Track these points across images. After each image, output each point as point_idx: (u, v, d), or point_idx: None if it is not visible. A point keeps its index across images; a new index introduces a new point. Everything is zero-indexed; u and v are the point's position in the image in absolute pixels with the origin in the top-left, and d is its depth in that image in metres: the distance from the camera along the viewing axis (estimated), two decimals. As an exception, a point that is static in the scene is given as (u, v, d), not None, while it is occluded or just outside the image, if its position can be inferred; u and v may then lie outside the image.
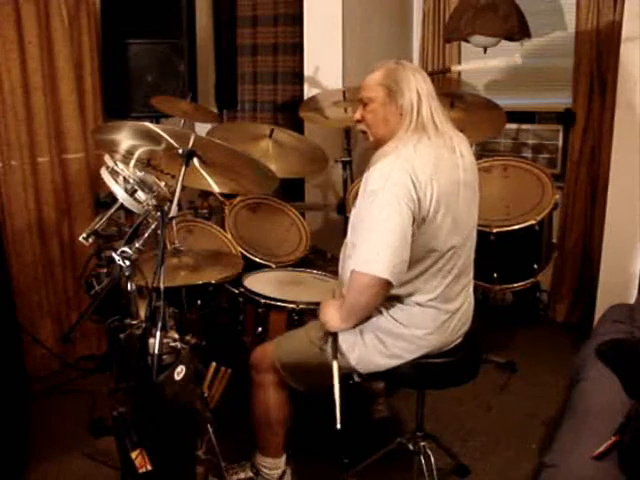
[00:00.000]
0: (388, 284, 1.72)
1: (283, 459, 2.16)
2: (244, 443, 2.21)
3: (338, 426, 1.76)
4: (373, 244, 1.72)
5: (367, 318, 1.90)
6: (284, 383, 2.03)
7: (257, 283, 2.47)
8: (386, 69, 1.88)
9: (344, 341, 1.93)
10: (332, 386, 1.82)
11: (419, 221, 1.75)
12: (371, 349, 1.90)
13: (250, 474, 2.18)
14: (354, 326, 1.90)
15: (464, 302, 1.96)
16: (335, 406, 1.79)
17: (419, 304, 1.86)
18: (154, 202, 1.73)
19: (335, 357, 1.89)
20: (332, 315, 1.90)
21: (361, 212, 1.80)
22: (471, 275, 2.01)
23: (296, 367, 2.00)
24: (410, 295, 1.86)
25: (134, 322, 1.71)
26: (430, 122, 1.83)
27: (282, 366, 2.01)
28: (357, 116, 1.96)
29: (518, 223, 2.78)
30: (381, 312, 1.89)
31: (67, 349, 3.17)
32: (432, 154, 1.79)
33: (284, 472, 2.16)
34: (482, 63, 3.11)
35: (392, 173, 1.73)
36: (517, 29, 3.19)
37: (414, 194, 1.72)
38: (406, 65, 1.89)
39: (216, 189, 2.04)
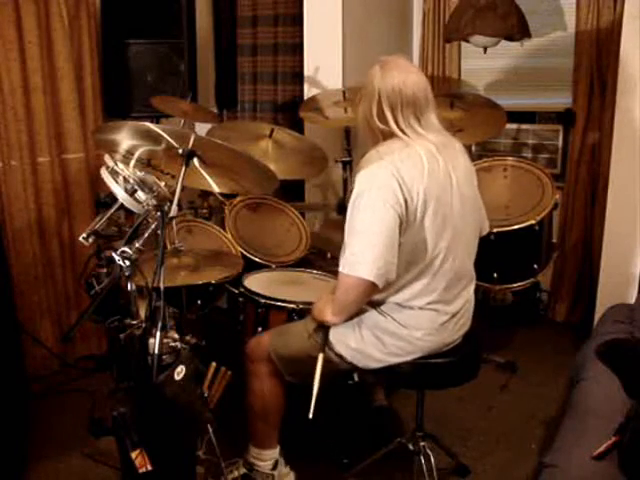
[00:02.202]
0: (373, 285, 1.75)
1: (277, 450, 2.17)
2: (244, 443, 2.21)
3: (310, 415, 1.79)
4: (358, 246, 1.75)
5: (363, 312, 1.91)
6: (279, 373, 2.04)
7: (257, 283, 2.47)
8: (369, 72, 1.85)
9: (341, 335, 1.93)
10: (315, 376, 1.84)
11: (407, 222, 1.76)
12: (369, 344, 1.91)
13: (243, 470, 2.18)
14: (350, 319, 1.92)
15: (465, 303, 1.96)
16: (312, 396, 1.81)
17: (420, 307, 1.87)
18: (154, 202, 1.73)
19: (323, 350, 1.91)
20: (324, 309, 1.92)
21: (350, 214, 1.81)
22: (472, 276, 2.01)
23: (291, 359, 2.00)
24: (409, 299, 1.86)
25: (134, 322, 1.71)
26: (413, 128, 1.80)
27: (277, 357, 2.02)
28: None
29: (518, 223, 2.78)
30: (381, 312, 1.90)
31: (67, 349, 3.17)
32: (417, 158, 1.78)
33: (277, 462, 2.17)
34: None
35: (377, 176, 1.75)
36: (517, 29, 3.19)
37: (400, 196, 1.73)
38: (386, 68, 1.82)
39: (216, 189, 2.04)
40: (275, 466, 2.16)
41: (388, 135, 1.83)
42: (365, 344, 1.91)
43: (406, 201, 1.74)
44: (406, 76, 1.81)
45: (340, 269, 1.79)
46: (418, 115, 1.82)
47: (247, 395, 2.11)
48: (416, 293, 1.85)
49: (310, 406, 1.80)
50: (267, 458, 2.15)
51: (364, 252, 1.73)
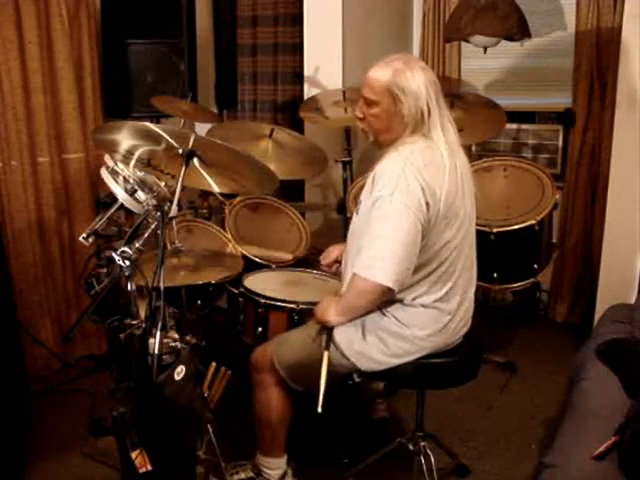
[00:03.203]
0: (389, 290, 1.74)
1: (284, 459, 2.16)
2: (244, 443, 2.21)
3: (319, 409, 1.79)
4: (378, 251, 1.73)
5: (367, 314, 1.90)
6: (285, 382, 2.03)
7: (257, 283, 2.47)
8: (393, 71, 1.79)
9: (344, 336, 1.93)
10: (321, 373, 1.84)
11: (429, 226, 1.75)
12: (372, 346, 1.90)
13: (251, 474, 2.18)
14: (351, 321, 1.91)
15: (465, 303, 1.95)
16: (319, 391, 1.81)
17: (423, 305, 1.87)
18: (154, 202, 1.73)
19: (327, 348, 1.90)
20: (327, 309, 1.92)
21: (368, 217, 1.78)
22: (473, 276, 2.01)
23: (295, 367, 2.00)
24: (416, 297, 1.86)
25: (134, 322, 1.71)
26: (437, 127, 1.80)
27: (281, 366, 2.01)
28: (359, 114, 1.89)
29: (518, 223, 2.78)
30: (383, 312, 1.90)
31: (67, 349, 3.17)
32: (438, 158, 1.78)
33: (285, 472, 2.16)
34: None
35: (401, 180, 1.72)
36: (517, 29, 3.19)
37: (423, 201, 1.72)
38: (414, 66, 1.80)
39: (216, 189, 2.04)
40: (283, 477, 2.15)
41: (417, 132, 1.80)
42: (369, 347, 1.90)
43: (428, 205, 1.73)
44: (429, 69, 1.84)
45: (356, 271, 1.77)
46: (445, 107, 1.84)
47: (253, 405, 2.10)
48: (423, 291, 1.85)
49: (318, 401, 1.80)
50: (274, 467, 2.14)
51: (384, 258, 1.71)
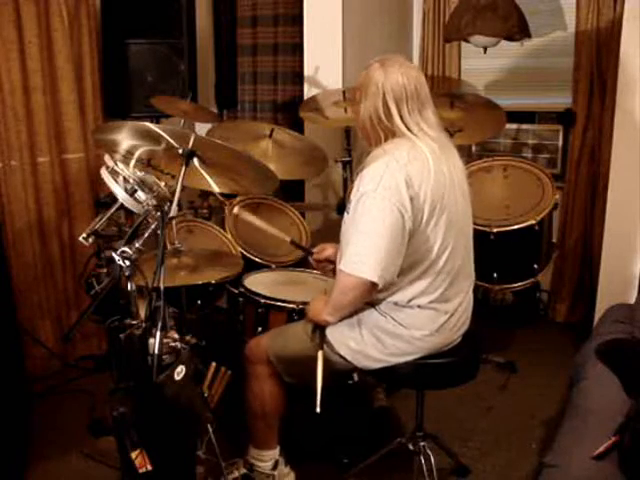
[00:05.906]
0: (374, 286, 1.74)
1: (277, 450, 2.17)
2: (244, 443, 2.21)
3: (317, 410, 1.79)
4: (362, 246, 1.74)
5: (361, 311, 1.91)
6: (278, 374, 2.04)
7: (257, 283, 2.47)
8: (367, 69, 1.85)
9: (339, 335, 1.93)
10: (315, 373, 1.85)
11: (414, 223, 1.75)
12: (368, 344, 1.90)
13: (244, 470, 2.18)
14: (350, 318, 1.92)
15: (463, 302, 1.95)
16: (316, 392, 1.82)
17: (419, 306, 1.87)
18: (154, 202, 1.73)
19: (321, 347, 1.91)
20: (318, 309, 1.92)
21: (353, 214, 1.80)
22: (471, 275, 2.01)
23: (289, 360, 2.00)
24: (411, 299, 1.86)
25: (134, 322, 1.71)
26: (403, 127, 1.79)
27: (276, 359, 2.02)
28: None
29: (518, 223, 2.78)
30: (380, 312, 1.90)
31: (67, 349, 3.17)
32: (424, 158, 1.78)
33: (277, 462, 2.17)
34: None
35: (384, 175, 1.73)
36: (517, 29, 3.20)
37: (406, 197, 1.72)
38: (388, 67, 1.81)
39: (216, 189, 2.04)
40: (275, 466, 2.16)
41: (391, 134, 1.82)
42: (365, 344, 1.91)
43: (412, 201, 1.73)
44: (407, 71, 1.82)
45: (341, 267, 1.78)
46: (421, 109, 1.82)
47: (246, 396, 2.11)
48: (418, 292, 1.85)
49: (316, 401, 1.80)
50: (267, 459, 2.15)
51: (368, 253, 1.72)
